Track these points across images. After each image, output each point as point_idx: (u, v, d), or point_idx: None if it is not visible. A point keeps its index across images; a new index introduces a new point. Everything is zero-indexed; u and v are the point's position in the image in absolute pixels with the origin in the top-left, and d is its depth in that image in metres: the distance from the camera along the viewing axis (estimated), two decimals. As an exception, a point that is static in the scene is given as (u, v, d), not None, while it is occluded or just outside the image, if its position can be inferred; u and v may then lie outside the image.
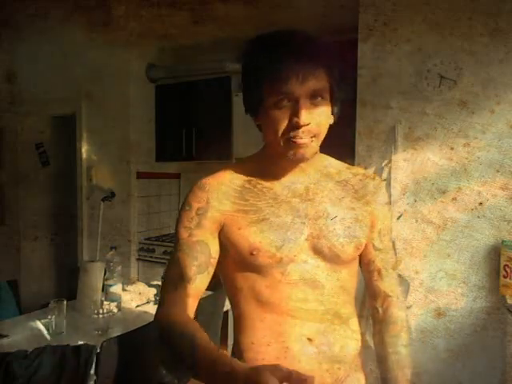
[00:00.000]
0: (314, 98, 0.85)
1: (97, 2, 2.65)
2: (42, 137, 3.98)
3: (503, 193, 2.05)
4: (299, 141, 0.85)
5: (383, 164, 2.28)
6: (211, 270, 0.92)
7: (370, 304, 1.05)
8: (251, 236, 0.88)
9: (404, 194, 2.23)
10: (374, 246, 1.00)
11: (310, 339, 0.89)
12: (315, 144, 0.88)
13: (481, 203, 2.09)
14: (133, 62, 3.50)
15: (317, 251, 0.91)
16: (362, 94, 2.31)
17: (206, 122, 3.39)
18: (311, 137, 0.86)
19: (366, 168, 2.28)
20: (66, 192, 3.95)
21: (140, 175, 3.58)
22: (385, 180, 2.22)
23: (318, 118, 0.86)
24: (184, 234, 0.91)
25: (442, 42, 2.13)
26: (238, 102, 3.23)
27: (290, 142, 0.85)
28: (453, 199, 2.13)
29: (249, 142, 3.01)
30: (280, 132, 0.86)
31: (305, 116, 0.83)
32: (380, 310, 1.02)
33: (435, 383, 2.14)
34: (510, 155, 2.04)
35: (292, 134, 0.84)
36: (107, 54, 3.39)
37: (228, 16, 2.81)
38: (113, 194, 3.54)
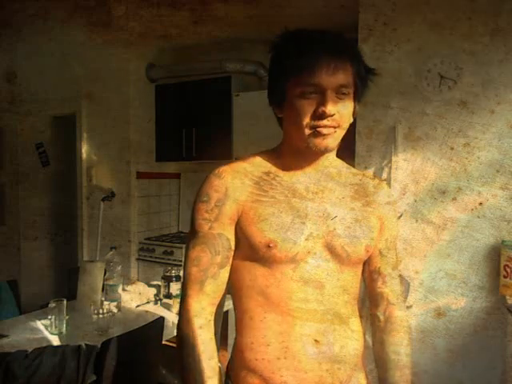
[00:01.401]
0: (340, 92, 0.86)
1: (97, 2, 2.64)
2: (42, 137, 3.98)
3: (503, 193, 2.05)
4: (324, 130, 0.86)
5: (383, 164, 2.28)
6: (231, 262, 0.92)
7: (371, 310, 1.05)
8: (269, 228, 0.87)
9: (404, 194, 2.23)
10: (380, 251, 1.00)
11: (316, 340, 0.89)
12: (338, 135, 0.89)
13: (481, 203, 2.09)
14: (133, 62, 3.50)
15: (330, 250, 0.91)
16: (362, 94, 2.30)
17: (206, 122, 3.39)
18: (335, 127, 0.87)
19: (366, 168, 2.28)
20: (65, 192, 3.95)
21: (140, 175, 3.58)
22: (385, 180, 2.22)
23: (342, 111, 0.87)
24: (204, 226, 0.89)
25: (441, 42, 2.13)
26: (238, 102, 3.23)
27: (314, 132, 0.86)
28: (453, 199, 2.13)
29: (249, 142, 3.02)
30: (305, 121, 0.86)
31: (331, 107, 0.84)
32: (382, 317, 1.02)
33: (435, 383, 2.14)
34: (510, 155, 2.04)
35: (316, 123, 0.85)
36: (107, 54, 3.39)
37: (228, 16, 2.80)
38: (113, 194, 3.55)
